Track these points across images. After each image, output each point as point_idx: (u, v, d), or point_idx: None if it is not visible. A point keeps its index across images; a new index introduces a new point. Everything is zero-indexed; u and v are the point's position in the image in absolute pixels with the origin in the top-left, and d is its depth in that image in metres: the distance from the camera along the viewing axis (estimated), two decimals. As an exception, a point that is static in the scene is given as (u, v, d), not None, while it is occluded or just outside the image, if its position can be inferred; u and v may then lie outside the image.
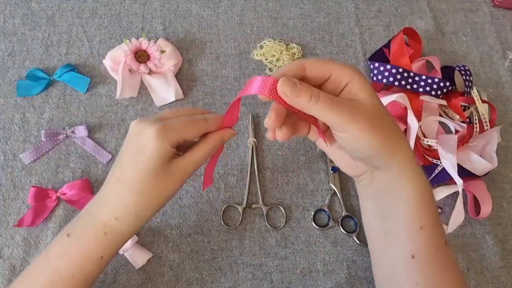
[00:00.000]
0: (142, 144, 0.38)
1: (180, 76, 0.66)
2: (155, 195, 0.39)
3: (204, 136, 0.41)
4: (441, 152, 0.59)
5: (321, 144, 0.42)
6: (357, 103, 0.35)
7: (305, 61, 0.36)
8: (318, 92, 0.33)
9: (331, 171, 0.60)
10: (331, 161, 0.61)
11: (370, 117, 0.34)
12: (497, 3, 0.78)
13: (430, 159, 0.61)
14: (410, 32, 0.69)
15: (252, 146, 0.61)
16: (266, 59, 0.68)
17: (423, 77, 0.63)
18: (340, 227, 0.58)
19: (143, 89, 0.64)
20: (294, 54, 0.69)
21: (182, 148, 0.41)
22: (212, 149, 0.41)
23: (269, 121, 0.36)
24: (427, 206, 0.38)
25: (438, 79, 0.63)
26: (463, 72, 0.64)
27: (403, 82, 0.63)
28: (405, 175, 0.38)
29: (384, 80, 0.64)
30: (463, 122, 0.64)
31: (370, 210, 0.42)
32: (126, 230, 0.40)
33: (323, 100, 0.33)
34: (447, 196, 0.60)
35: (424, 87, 0.63)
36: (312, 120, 0.37)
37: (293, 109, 0.35)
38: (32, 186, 0.55)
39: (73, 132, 0.60)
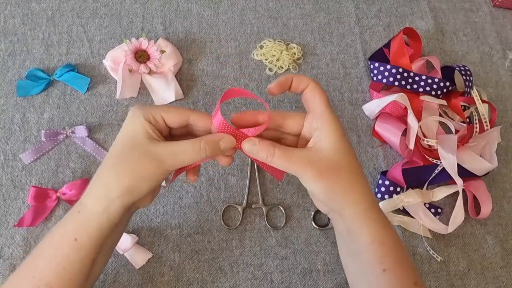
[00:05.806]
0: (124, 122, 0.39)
1: (180, 76, 0.66)
2: (125, 170, 0.36)
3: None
4: (441, 152, 0.59)
5: None
6: (312, 152, 0.38)
7: (282, 115, 0.40)
8: (274, 149, 0.38)
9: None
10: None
11: (320, 167, 0.37)
12: (497, 3, 0.78)
13: (430, 159, 0.61)
14: (410, 32, 0.69)
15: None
16: (266, 59, 0.68)
17: (423, 77, 0.63)
18: (340, 227, 0.58)
19: (143, 89, 0.64)
20: (294, 54, 0.69)
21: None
22: (200, 151, 0.37)
23: (271, 88, 0.39)
24: (389, 251, 0.39)
25: (438, 79, 0.63)
26: (463, 72, 0.64)
27: (403, 82, 0.63)
28: (359, 223, 0.38)
29: (384, 80, 0.64)
30: (463, 122, 0.64)
31: (342, 248, 0.44)
32: (96, 208, 0.37)
33: (278, 156, 0.38)
34: (447, 196, 0.60)
35: (424, 87, 0.63)
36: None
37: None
38: (32, 186, 0.55)
39: (73, 132, 0.60)
